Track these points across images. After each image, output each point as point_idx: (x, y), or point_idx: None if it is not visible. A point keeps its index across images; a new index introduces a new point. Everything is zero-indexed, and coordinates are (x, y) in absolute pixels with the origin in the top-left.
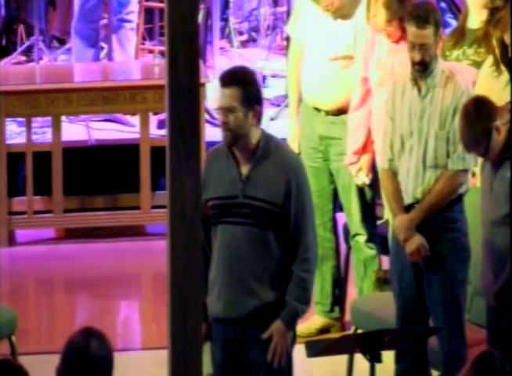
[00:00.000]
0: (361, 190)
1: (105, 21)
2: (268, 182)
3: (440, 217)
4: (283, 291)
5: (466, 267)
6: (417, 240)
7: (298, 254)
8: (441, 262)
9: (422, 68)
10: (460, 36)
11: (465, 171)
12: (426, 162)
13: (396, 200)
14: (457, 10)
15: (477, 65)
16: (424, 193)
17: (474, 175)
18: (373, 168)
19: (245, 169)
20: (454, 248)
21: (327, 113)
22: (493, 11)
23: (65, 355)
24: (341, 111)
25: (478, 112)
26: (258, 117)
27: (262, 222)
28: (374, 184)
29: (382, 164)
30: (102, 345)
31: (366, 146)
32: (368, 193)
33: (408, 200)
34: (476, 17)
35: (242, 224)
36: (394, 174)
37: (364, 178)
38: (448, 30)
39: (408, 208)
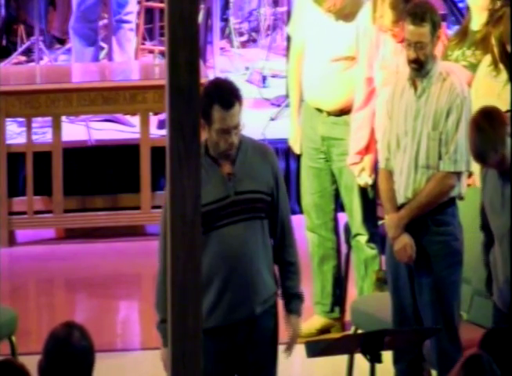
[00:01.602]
0: (363, 190)
1: (104, 21)
2: (256, 174)
3: (431, 219)
4: (275, 280)
5: (456, 271)
6: (404, 239)
7: (285, 241)
8: (431, 265)
9: (417, 66)
10: (463, 36)
11: (457, 174)
12: (418, 162)
13: (389, 199)
14: (459, 12)
15: (473, 67)
16: (415, 193)
17: (471, 175)
18: (375, 169)
19: (228, 168)
20: (444, 251)
21: (329, 113)
22: (492, 12)
23: (47, 346)
24: (343, 112)
25: (491, 122)
26: None
27: (259, 212)
28: (376, 184)
29: (380, 164)
30: (84, 336)
31: (369, 147)
32: (370, 193)
33: (400, 199)
34: (477, 19)
35: (240, 221)
36: (389, 173)
37: (367, 179)
38: (453, 31)
39: (401, 208)
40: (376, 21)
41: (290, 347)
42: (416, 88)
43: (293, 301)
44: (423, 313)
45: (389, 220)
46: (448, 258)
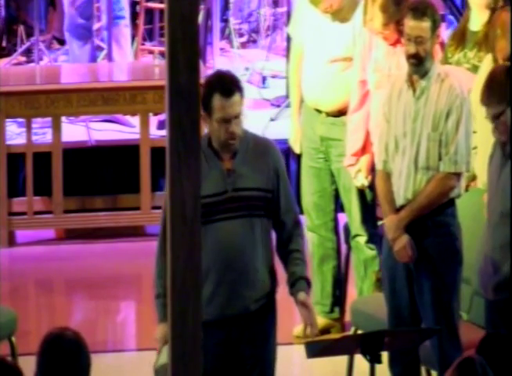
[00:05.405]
0: (362, 191)
1: (102, 22)
2: (256, 171)
3: (431, 221)
4: (274, 281)
5: (457, 271)
6: (404, 239)
7: (294, 231)
8: (432, 266)
9: (416, 62)
10: (462, 38)
11: (457, 174)
12: (418, 163)
13: (388, 201)
14: (458, 12)
15: (476, 69)
16: (415, 195)
17: (474, 178)
18: (372, 170)
19: (228, 164)
20: (445, 252)
21: (328, 114)
22: (495, 11)
23: (42, 346)
24: (342, 112)
25: (507, 75)
26: None
27: (257, 210)
28: (374, 185)
29: (377, 166)
30: (76, 335)
31: (365, 148)
32: (368, 194)
33: (400, 201)
34: (478, 19)
35: (237, 217)
36: (387, 175)
37: (363, 180)
38: (449, 32)
39: (400, 210)
40: (366, 24)
41: (311, 326)
42: (414, 89)
43: (299, 282)
44: (423, 314)
45: (388, 221)
46: (450, 259)
